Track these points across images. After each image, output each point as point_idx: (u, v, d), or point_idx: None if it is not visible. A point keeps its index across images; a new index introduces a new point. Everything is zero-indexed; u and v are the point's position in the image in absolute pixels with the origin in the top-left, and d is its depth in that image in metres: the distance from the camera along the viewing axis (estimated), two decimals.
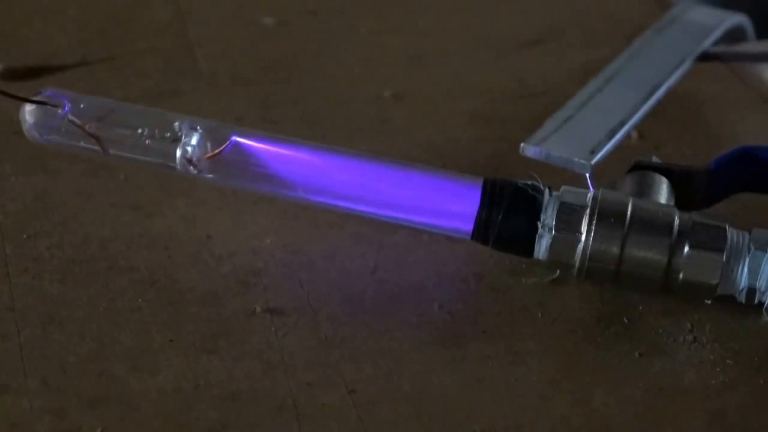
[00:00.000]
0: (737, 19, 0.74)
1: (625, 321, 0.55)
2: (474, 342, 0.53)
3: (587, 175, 0.57)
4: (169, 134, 0.56)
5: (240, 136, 0.56)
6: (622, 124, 0.61)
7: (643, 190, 0.56)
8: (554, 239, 0.54)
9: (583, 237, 0.54)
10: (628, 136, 0.64)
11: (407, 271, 0.57)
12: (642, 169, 0.57)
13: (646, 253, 0.54)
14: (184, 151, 0.55)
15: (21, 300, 0.54)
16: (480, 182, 0.55)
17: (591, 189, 0.55)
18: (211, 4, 0.74)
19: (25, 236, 0.57)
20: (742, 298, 0.54)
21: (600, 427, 0.50)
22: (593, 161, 0.57)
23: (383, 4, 0.75)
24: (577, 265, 0.54)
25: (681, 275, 0.54)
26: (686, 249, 0.53)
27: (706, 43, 0.71)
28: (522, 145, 0.58)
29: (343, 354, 0.52)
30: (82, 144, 0.56)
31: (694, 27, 0.72)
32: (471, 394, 0.51)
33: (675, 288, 0.54)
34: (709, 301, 0.55)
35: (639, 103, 0.63)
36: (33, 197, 0.59)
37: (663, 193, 0.56)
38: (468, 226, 0.55)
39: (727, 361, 0.53)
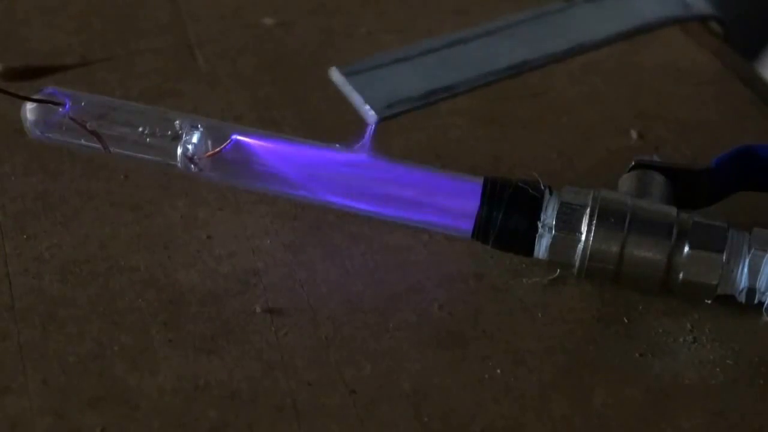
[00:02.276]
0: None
1: (625, 321, 0.55)
2: (474, 342, 0.53)
3: (370, 127, 0.55)
4: (169, 132, 0.56)
5: (240, 134, 0.56)
6: (448, 89, 0.59)
7: (644, 190, 0.56)
8: (554, 239, 0.54)
9: (583, 237, 0.54)
10: (628, 135, 0.64)
11: (407, 271, 0.56)
12: (642, 168, 0.57)
13: (646, 253, 0.54)
14: (185, 149, 0.55)
15: (21, 300, 0.54)
16: (480, 182, 0.55)
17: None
18: (211, 4, 0.74)
19: (25, 236, 0.57)
20: (742, 298, 0.54)
21: (600, 427, 0.50)
22: (382, 116, 0.56)
23: (383, 4, 0.75)
24: (577, 264, 0.54)
25: (681, 275, 0.54)
26: (686, 249, 0.53)
27: (608, 31, 0.69)
28: (334, 67, 0.56)
29: (343, 354, 0.52)
30: (83, 142, 0.56)
31: (627, 9, 0.70)
32: (471, 394, 0.51)
33: (675, 288, 0.54)
34: (709, 301, 0.55)
35: (482, 76, 0.61)
36: (33, 197, 0.59)
37: (663, 192, 0.56)
38: (468, 226, 0.55)
39: (727, 361, 0.53)
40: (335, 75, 0.55)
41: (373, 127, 0.54)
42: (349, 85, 0.55)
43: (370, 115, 0.54)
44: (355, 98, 0.54)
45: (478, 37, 0.64)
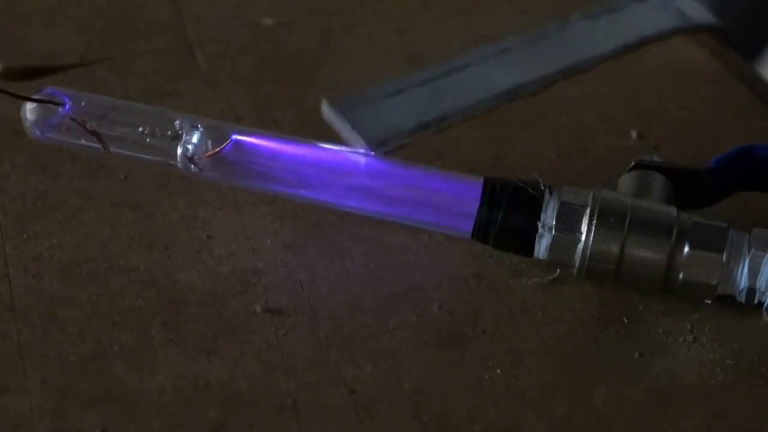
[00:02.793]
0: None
1: (625, 321, 0.55)
2: (474, 342, 0.53)
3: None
4: (169, 132, 0.56)
5: (240, 134, 0.56)
6: (441, 121, 0.59)
7: (644, 190, 0.56)
8: (554, 239, 0.54)
9: (583, 237, 0.54)
10: (628, 135, 0.64)
11: (407, 271, 0.56)
12: (642, 168, 0.57)
13: (646, 253, 0.54)
14: (185, 149, 0.55)
15: (21, 300, 0.54)
16: (480, 182, 0.55)
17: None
18: (211, 4, 0.74)
19: (25, 236, 0.57)
20: (742, 298, 0.54)
21: (600, 427, 0.50)
22: (375, 152, 0.56)
23: (383, 4, 0.75)
24: (577, 264, 0.54)
25: (681, 275, 0.54)
26: (686, 249, 0.53)
27: (600, 52, 0.69)
28: (324, 102, 0.57)
29: (343, 354, 0.52)
30: (83, 142, 0.56)
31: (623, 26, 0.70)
32: (471, 394, 0.51)
33: (675, 288, 0.54)
34: (709, 301, 0.55)
35: (476, 104, 0.61)
36: (33, 197, 0.59)
37: (663, 192, 0.56)
38: (468, 226, 0.55)
39: (727, 361, 0.53)
40: (326, 110, 0.56)
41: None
42: (341, 120, 0.55)
43: (363, 150, 0.55)
44: (347, 134, 0.55)
45: (471, 65, 0.64)
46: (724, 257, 0.53)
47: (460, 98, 0.63)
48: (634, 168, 0.57)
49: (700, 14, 0.72)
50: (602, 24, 0.70)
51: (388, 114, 0.59)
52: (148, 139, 0.56)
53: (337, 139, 0.60)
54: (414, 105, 0.60)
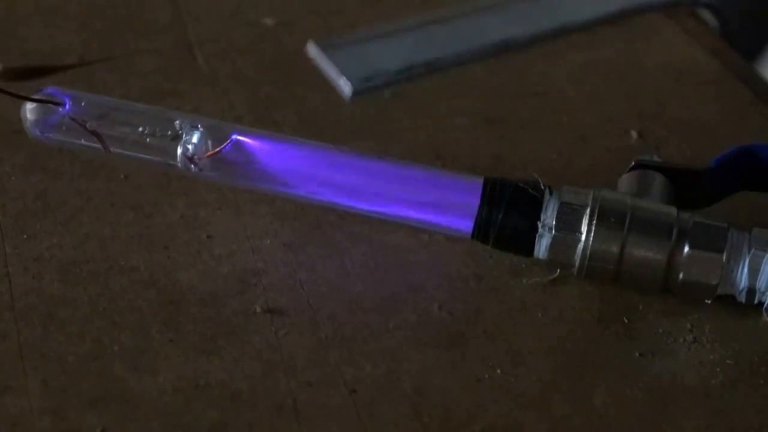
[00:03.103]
0: None
1: (625, 321, 0.55)
2: (474, 342, 0.53)
3: (347, 97, 0.54)
4: (169, 132, 0.56)
5: (240, 134, 0.56)
6: (428, 65, 0.58)
7: (644, 190, 0.56)
8: (554, 239, 0.54)
9: (583, 237, 0.54)
10: (628, 135, 0.64)
11: (407, 271, 0.56)
12: (642, 168, 0.57)
13: (646, 253, 0.54)
14: (185, 149, 0.55)
15: (21, 300, 0.54)
16: (480, 182, 0.55)
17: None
18: (211, 4, 0.74)
19: (25, 236, 0.57)
20: (742, 298, 0.54)
21: (600, 427, 0.50)
22: (355, 88, 0.54)
23: (383, 4, 0.75)
24: (577, 264, 0.54)
25: (681, 275, 0.54)
26: (686, 249, 0.53)
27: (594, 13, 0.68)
28: (310, 42, 0.55)
29: (343, 354, 0.52)
30: (83, 142, 0.56)
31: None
32: (471, 394, 0.51)
33: (675, 288, 0.54)
34: (709, 301, 0.55)
35: (464, 53, 0.60)
36: (33, 197, 0.59)
37: (663, 192, 0.56)
38: (468, 226, 0.55)
39: (727, 361, 0.53)
40: (312, 49, 0.54)
41: (348, 97, 0.53)
42: (326, 58, 0.54)
43: (346, 88, 0.53)
44: (331, 71, 0.54)
45: (464, 15, 0.63)
46: (724, 257, 0.53)
47: (448, 46, 0.61)
48: (634, 168, 0.58)
49: None
50: None
51: (374, 55, 0.57)
52: (148, 139, 0.56)
53: (323, 80, 0.57)
54: (402, 48, 0.58)
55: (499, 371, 0.52)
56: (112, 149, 0.56)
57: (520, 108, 0.67)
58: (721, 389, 0.52)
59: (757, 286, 0.54)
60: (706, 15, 0.74)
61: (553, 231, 0.54)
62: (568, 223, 0.54)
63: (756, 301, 0.54)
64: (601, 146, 0.64)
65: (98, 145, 0.56)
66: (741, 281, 0.54)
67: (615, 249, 0.54)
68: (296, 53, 0.70)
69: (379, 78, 0.55)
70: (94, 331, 0.53)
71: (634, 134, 0.65)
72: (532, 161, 0.62)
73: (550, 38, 0.64)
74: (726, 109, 0.67)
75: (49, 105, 0.56)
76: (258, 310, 0.54)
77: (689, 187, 0.57)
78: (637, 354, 0.53)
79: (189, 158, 0.56)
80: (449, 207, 0.55)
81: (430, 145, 0.64)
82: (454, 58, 0.60)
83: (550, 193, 0.55)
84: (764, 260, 0.53)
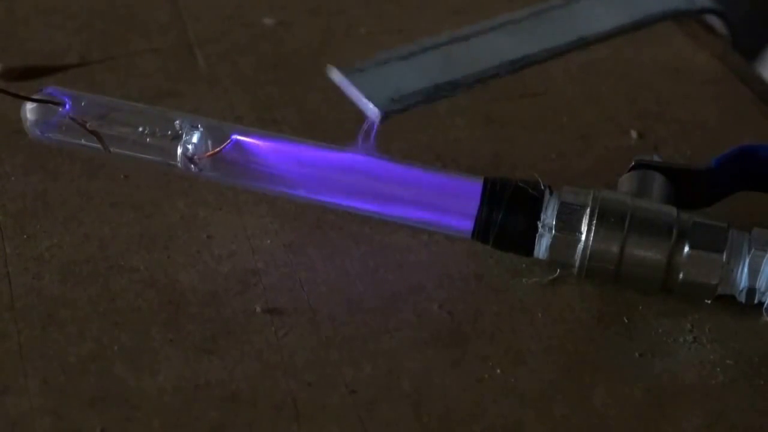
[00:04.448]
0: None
1: (625, 321, 0.55)
2: (474, 342, 0.53)
3: (373, 124, 0.54)
4: (169, 132, 0.56)
5: (240, 134, 0.56)
6: (451, 85, 0.58)
7: (644, 190, 0.56)
8: (554, 239, 0.54)
9: (583, 237, 0.54)
10: (628, 135, 0.64)
11: (407, 271, 0.56)
12: (642, 168, 0.57)
13: (646, 253, 0.54)
14: (185, 149, 0.56)
15: (21, 300, 0.54)
16: (480, 182, 0.55)
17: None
18: (211, 4, 0.74)
19: (25, 236, 0.57)
20: (742, 298, 0.54)
21: (600, 427, 0.50)
22: (384, 111, 0.54)
23: (383, 4, 0.75)
24: (577, 264, 0.54)
25: (681, 275, 0.54)
26: (686, 249, 0.53)
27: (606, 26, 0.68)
28: (333, 68, 0.56)
29: (343, 354, 0.52)
30: (83, 142, 0.56)
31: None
32: (471, 394, 0.51)
33: (675, 288, 0.54)
34: (709, 301, 0.55)
35: (485, 71, 0.60)
36: (33, 197, 0.59)
37: (663, 192, 0.56)
38: (468, 226, 0.55)
39: (727, 361, 0.53)
40: (335, 74, 0.55)
41: (374, 126, 0.54)
42: (350, 82, 0.54)
43: (372, 111, 0.53)
44: (356, 95, 0.54)
45: (479, 34, 0.63)
46: (724, 257, 0.53)
47: (468, 65, 0.61)
48: (634, 168, 0.58)
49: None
50: (609, 0, 0.69)
51: (397, 77, 0.57)
52: (148, 139, 0.56)
53: (350, 104, 0.58)
54: (423, 69, 0.58)
55: (499, 371, 0.52)
56: (112, 149, 0.56)
57: (520, 108, 0.67)
58: (721, 389, 0.52)
59: (757, 286, 0.54)
60: (713, 20, 0.74)
61: (553, 231, 0.54)
62: (568, 223, 0.54)
63: (756, 301, 0.54)
64: (601, 146, 0.64)
65: (98, 145, 0.56)
66: (741, 281, 0.54)
67: (615, 249, 0.54)
68: (296, 53, 0.70)
69: (406, 100, 0.55)
70: (94, 331, 0.53)
71: (634, 134, 0.65)
72: (532, 161, 0.62)
73: (567, 52, 0.64)
74: (726, 109, 0.67)
75: (49, 105, 0.56)
76: (258, 310, 0.54)
77: (689, 187, 0.57)
78: (637, 354, 0.53)
79: (189, 158, 0.56)
80: (449, 207, 0.55)
81: (430, 145, 0.64)
82: (478, 75, 0.60)
83: (550, 193, 0.55)
84: (764, 260, 0.53)
